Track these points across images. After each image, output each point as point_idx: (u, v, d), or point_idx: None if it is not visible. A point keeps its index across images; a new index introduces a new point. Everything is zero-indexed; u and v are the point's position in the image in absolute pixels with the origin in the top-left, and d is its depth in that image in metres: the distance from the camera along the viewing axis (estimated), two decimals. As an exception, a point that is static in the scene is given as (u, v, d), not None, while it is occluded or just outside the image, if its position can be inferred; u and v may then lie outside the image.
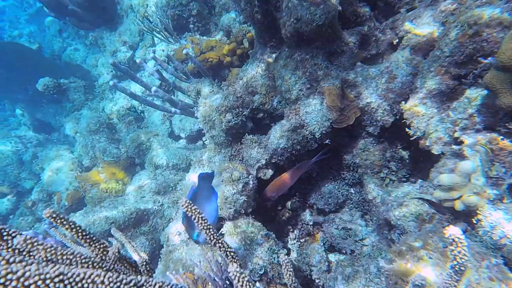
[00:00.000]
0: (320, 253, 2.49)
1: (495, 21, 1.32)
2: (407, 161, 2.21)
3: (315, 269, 2.45)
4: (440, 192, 1.30)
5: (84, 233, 0.82)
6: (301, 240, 2.64)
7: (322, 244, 2.54)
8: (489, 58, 1.34)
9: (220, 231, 1.88)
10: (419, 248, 1.06)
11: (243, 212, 1.95)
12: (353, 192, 2.49)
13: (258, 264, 1.72)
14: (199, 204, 1.45)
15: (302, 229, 2.63)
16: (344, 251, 2.45)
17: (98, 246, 0.83)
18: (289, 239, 2.63)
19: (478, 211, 1.25)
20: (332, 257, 2.57)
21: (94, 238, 0.84)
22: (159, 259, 1.89)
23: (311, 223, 2.59)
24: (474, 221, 1.27)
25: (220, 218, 1.90)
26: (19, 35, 8.28)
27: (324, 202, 2.50)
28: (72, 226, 0.79)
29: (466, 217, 1.32)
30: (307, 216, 2.60)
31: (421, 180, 1.83)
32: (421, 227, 1.52)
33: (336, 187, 2.49)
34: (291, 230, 2.65)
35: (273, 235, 1.88)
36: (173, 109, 2.68)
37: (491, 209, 1.23)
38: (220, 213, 1.87)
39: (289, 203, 2.61)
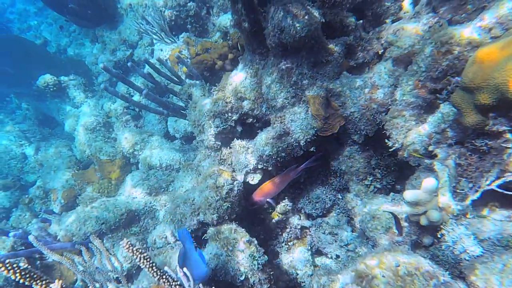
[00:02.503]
0: (307, 257, 2.60)
1: (465, 40, 1.39)
2: (392, 168, 2.29)
3: (300, 273, 2.56)
4: (407, 207, 1.39)
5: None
6: (289, 243, 2.75)
7: (309, 248, 2.65)
8: (457, 77, 1.41)
9: (204, 236, 1.99)
10: (375, 266, 1.15)
11: (227, 218, 2.06)
12: (340, 197, 2.58)
13: (239, 270, 1.82)
14: (189, 261, 1.50)
15: (291, 232, 2.73)
16: (330, 256, 2.56)
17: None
18: (277, 242, 2.74)
19: (442, 226, 1.34)
20: (319, 260, 2.68)
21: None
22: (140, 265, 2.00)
23: (299, 227, 2.69)
24: (439, 236, 1.35)
25: (204, 224, 2.01)
26: (28, 28, 8.48)
27: (311, 207, 2.59)
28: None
29: (433, 231, 1.41)
30: (295, 220, 2.70)
31: (393, 194, 1.92)
32: (392, 239, 1.60)
33: (324, 192, 2.59)
34: (280, 233, 2.76)
35: (255, 242, 1.98)
36: (165, 112, 2.78)
37: (454, 224, 1.31)
38: (204, 218, 1.98)
39: (278, 207, 2.71)
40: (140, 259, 0.99)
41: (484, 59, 1.18)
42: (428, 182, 1.28)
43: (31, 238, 1.17)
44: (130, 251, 0.96)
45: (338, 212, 2.57)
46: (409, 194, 1.34)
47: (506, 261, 1.05)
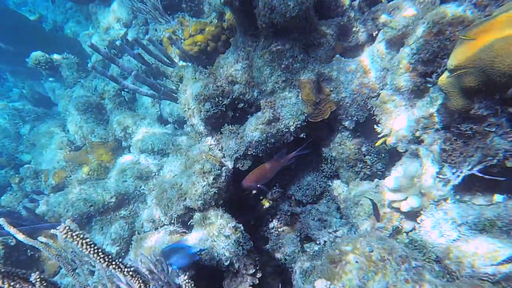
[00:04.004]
0: (295, 243, 2.64)
1: (458, 19, 1.37)
2: (383, 155, 2.29)
3: (288, 259, 2.61)
4: (388, 193, 1.40)
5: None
6: (279, 230, 2.79)
7: (298, 234, 2.69)
8: (446, 59, 1.39)
9: (189, 222, 2.01)
10: (349, 251, 1.18)
11: (214, 204, 2.08)
12: (330, 184, 2.60)
13: (224, 255, 1.86)
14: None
15: (281, 219, 2.77)
16: (318, 242, 2.60)
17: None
18: (267, 229, 2.78)
19: (422, 212, 1.36)
20: (308, 247, 2.73)
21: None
22: (131, 246, 2.05)
23: (289, 214, 2.73)
24: (418, 221, 1.37)
25: (190, 209, 2.03)
26: (23, 3, 8.36)
27: (302, 194, 2.62)
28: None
29: (413, 216, 1.43)
30: (285, 206, 2.73)
31: (377, 179, 1.93)
32: (374, 225, 1.63)
33: (315, 179, 2.61)
34: (270, 219, 2.80)
35: (241, 228, 2.01)
36: (156, 94, 2.78)
37: (434, 210, 1.33)
38: (190, 203, 2.00)
39: (269, 193, 2.74)
40: (82, 244, 0.94)
41: (471, 39, 1.16)
42: (409, 168, 1.29)
43: (1, 220, 1.18)
44: (69, 236, 0.92)
45: (328, 199, 2.60)
46: (391, 181, 1.35)
47: (479, 244, 1.07)
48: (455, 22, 1.37)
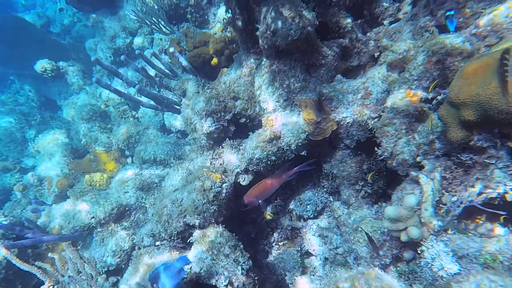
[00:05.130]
0: (296, 258, 2.65)
1: (456, 50, 1.38)
2: (384, 173, 2.30)
3: (289, 274, 2.62)
4: (388, 223, 1.41)
5: None
6: (279, 244, 2.81)
7: (299, 249, 2.70)
8: (445, 89, 1.41)
9: (189, 239, 2.03)
10: None
11: (214, 221, 2.10)
12: (332, 200, 2.61)
13: (224, 274, 1.88)
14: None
15: (282, 232, 2.78)
16: (319, 258, 2.61)
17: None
18: (267, 242, 2.80)
19: (422, 242, 1.36)
20: (308, 262, 2.73)
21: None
22: (130, 261, 2.08)
23: (289, 228, 2.74)
24: (419, 252, 1.38)
25: (190, 226, 2.05)
26: (32, 5, 8.51)
27: (302, 209, 2.64)
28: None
29: (414, 246, 1.43)
30: (286, 221, 2.75)
31: (377, 206, 1.94)
32: (372, 254, 1.63)
33: (316, 194, 2.62)
34: (271, 232, 2.81)
35: (241, 246, 2.02)
36: (159, 107, 2.82)
37: (433, 241, 1.33)
38: (190, 221, 2.02)
39: (270, 206, 2.75)
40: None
41: (470, 74, 1.18)
42: (409, 199, 1.31)
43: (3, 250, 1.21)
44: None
45: (329, 214, 2.61)
46: (390, 210, 1.36)
47: (480, 281, 1.08)
48: (454, 53, 1.39)
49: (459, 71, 1.24)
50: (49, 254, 1.34)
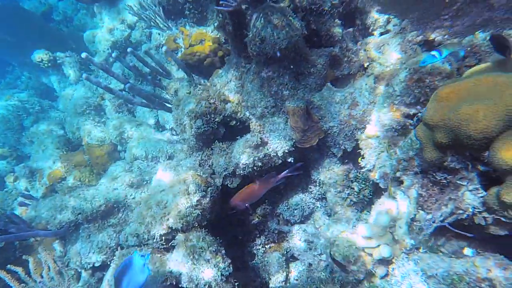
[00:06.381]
0: (280, 262, 2.71)
1: (436, 70, 1.41)
2: (371, 182, 2.33)
3: (273, 278, 2.68)
4: (362, 240, 1.45)
5: None
6: (266, 247, 2.86)
7: (285, 253, 2.76)
8: (423, 109, 1.44)
9: (171, 242, 2.08)
10: None
11: (197, 225, 2.14)
12: (319, 206, 2.66)
13: (203, 279, 1.93)
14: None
15: (268, 236, 2.84)
16: (303, 263, 2.67)
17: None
18: (254, 244, 2.85)
19: (393, 260, 1.41)
20: (293, 266, 2.79)
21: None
22: (112, 259, 2.13)
23: (276, 232, 2.79)
24: (390, 270, 1.43)
25: (173, 230, 2.10)
26: None
27: (290, 214, 2.69)
28: None
29: (387, 263, 1.48)
30: (273, 224, 2.80)
31: (354, 221, 1.98)
32: (349, 267, 1.67)
33: (303, 199, 2.67)
34: (258, 235, 2.87)
35: (223, 252, 2.06)
36: (150, 105, 2.85)
37: (404, 260, 1.38)
38: (173, 224, 2.07)
39: (259, 209, 2.80)
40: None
41: (443, 98, 1.21)
42: (382, 218, 1.34)
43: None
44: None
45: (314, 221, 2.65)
46: (364, 228, 1.40)
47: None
48: (433, 72, 1.41)
49: (434, 94, 1.27)
50: (24, 257, 1.38)
